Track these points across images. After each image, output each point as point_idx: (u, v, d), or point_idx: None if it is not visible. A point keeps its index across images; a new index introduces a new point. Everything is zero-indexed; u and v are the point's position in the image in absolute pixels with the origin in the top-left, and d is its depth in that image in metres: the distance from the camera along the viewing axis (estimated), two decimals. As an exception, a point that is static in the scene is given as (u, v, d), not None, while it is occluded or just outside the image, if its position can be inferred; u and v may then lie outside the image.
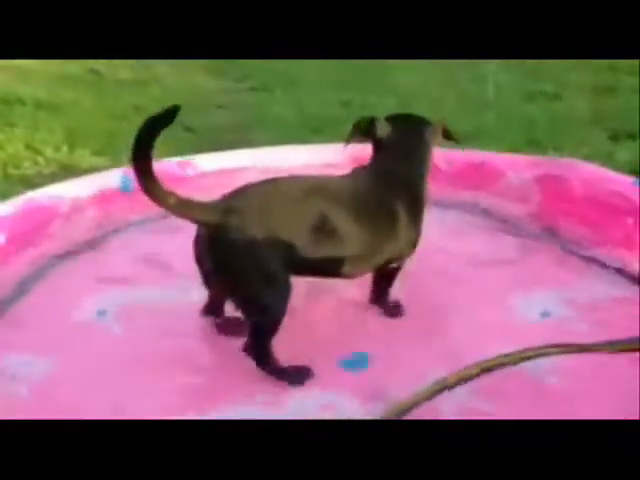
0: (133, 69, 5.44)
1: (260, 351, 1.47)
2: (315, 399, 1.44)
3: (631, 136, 3.67)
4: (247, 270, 1.41)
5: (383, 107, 4.38)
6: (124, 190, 2.21)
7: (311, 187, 1.53)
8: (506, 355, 1.48)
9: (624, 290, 1.86)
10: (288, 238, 1.43)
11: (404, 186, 1.64)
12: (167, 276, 1.89)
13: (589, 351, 1.50)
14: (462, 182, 2.39)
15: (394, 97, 4.63)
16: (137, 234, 2.16)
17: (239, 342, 1.50)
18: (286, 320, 1.46)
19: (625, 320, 1.67)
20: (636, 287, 1.86)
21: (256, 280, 1.41)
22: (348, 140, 1.69)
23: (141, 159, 1.30)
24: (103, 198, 2.20)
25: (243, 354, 1.49)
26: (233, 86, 5.07)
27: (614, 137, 3.70)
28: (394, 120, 1.72)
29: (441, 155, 2.50)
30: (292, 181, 1.55)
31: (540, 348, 1.50)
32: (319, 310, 1.76)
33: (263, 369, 1.47)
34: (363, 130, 1.69)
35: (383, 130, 1.67)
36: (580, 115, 4.14)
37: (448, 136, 1.82)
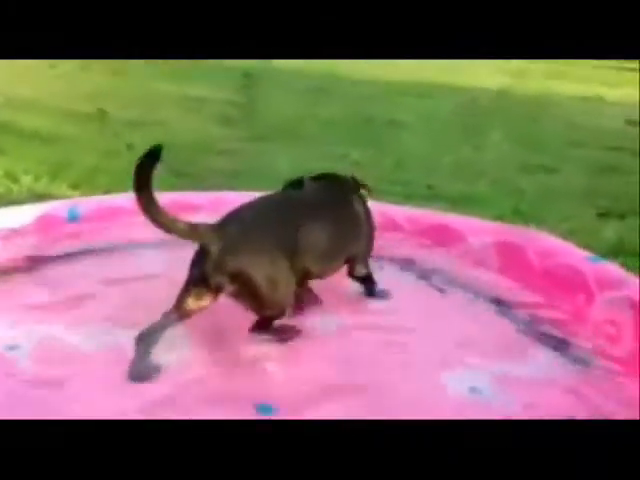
0: (140, 110, 5.55)
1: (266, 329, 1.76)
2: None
3: (620, 216, 3.60)
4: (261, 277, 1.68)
5: (378, 165, 4.39)
6: (71, 219, 2.20)
7: (284, 204, 1.88)
8: None
9: (565, 371, 1.75)
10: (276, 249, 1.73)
11: (355, 192, 2.03)
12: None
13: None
14: (422, 241, 2.33)
15: (391, 156, 4.63)
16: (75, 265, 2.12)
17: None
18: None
19: (557, 403, 1.56)
20: (577, 368, 1.75)
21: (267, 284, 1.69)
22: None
23: (142, 193, 1.51)
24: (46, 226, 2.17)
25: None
26: (238, 134, 5.12)
27: (603, 215, 3.63)
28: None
29: (403, 213, 2.48)
30: (269, 201, 1.88)
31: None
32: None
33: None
34: (292, 186, 2.01)
35: (308, 186, 1.98)
36: (573, 191, 4.09)
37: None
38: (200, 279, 1.66)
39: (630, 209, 3.70)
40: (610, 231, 3.24)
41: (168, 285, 1.72)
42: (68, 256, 2.11)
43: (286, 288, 1.75)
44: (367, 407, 1.51)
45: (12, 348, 1.66)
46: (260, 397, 1.55)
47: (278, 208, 1.85)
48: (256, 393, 1.57)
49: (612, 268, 1.94)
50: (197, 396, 1.53)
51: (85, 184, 3.32)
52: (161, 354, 1.64)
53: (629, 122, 6.68)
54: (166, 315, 1.68)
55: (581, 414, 1.41)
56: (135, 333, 1.65)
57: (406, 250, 2.34)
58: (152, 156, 1.49)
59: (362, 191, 2.03)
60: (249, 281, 1.67)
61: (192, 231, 1.63)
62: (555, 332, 1.88)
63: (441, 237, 2.31)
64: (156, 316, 1.66)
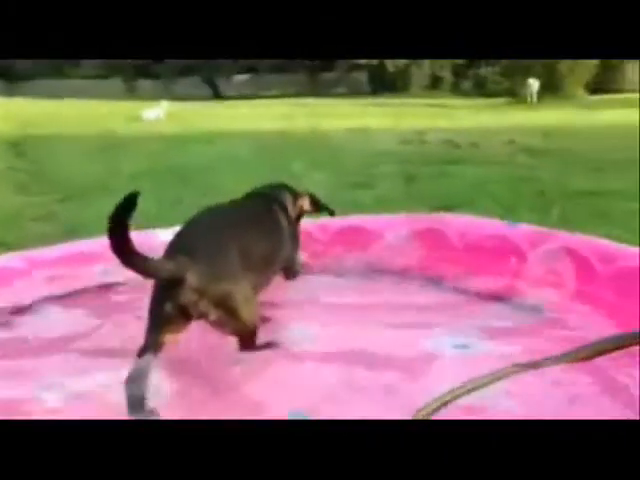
0: None
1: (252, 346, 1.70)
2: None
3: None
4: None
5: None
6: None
7: (229, 222, 1.78)
8: (462, 385, 1.43)
9: (525, 319, 1.90)
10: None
11: (280, 206, 2.03)
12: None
13: (546, 365, 1.50)
14: (340, 247, 2.36)
15: (212, 196, 4.60)
16: None
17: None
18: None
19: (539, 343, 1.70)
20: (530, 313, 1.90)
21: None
22: None
23: (120, 238, 1.42)
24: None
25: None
26: (43, 199, 4.66)
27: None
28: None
29: (314, 225, 2.49)
30: (215, 220, 1.78)
31: (498, 372, 1.46)
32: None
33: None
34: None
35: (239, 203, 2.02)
36: (399, 197, 4.48)
37: (316, 206, 2.19)
38: (177, 312, 1.56)
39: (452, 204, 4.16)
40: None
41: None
42: None
43: (255, 304, 1.72)
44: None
45: None
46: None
47: (225, 226, 1.76)
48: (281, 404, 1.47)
49: (532, 227, 2.16)
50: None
51: None
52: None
53: (403, 141, 7.54)
54: (142, 356, 1.54)
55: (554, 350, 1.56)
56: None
57: (327, 257, 2.35)
58: (130, 201, 1.42)
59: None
60: (233, 304, 1.61)
61: (172, 266, 1.53)
62: (500, 292, 2.03)
63: (359, 239, 2.37)
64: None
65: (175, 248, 1.61)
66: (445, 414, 1.35)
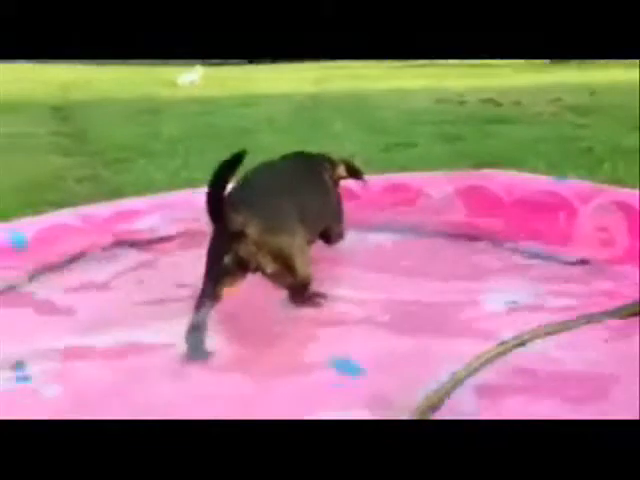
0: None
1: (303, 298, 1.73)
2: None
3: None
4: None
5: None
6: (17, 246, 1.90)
7: (282, 176, 1.85)
8: (505, 342, 1.42)
9: (575, 274, 1.87)
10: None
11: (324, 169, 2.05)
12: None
13: (592, 322, 1.47)
14: (384, 204, 2.34)
15: (262, 158, 4.59)
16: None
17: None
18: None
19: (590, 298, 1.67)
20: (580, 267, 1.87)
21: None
22: None
23: (217, 191, 1.52)
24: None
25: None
26: (87, 161, 4.73)
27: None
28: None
29: (356, 184, 2.47)
30: (270, 174, 1.86)
31: (539, 329, 1.45)
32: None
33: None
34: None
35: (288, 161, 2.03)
36: (435, 158, 4.41)
37: (352, 173, 2.16)
38: (236, 264, 1.61)
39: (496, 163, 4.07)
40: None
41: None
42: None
43: (309, 257, 1.74)
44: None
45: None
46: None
47: (281, 181, 1.82)
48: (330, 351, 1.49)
49: (581, 182, 2.11)
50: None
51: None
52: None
53: (439, 101, 7.38)
54: (201, 307, 1.61)
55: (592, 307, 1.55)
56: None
57: (369, 215, 2.34)
58: (237, 159, 1.51)
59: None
60: (289, 257, 1.65)
61: (240, 218, 1.57)
62: (550, 247, 1.99)
63: (403, 196, 2.34)
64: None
65: (234, 202, 1.63)
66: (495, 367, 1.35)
